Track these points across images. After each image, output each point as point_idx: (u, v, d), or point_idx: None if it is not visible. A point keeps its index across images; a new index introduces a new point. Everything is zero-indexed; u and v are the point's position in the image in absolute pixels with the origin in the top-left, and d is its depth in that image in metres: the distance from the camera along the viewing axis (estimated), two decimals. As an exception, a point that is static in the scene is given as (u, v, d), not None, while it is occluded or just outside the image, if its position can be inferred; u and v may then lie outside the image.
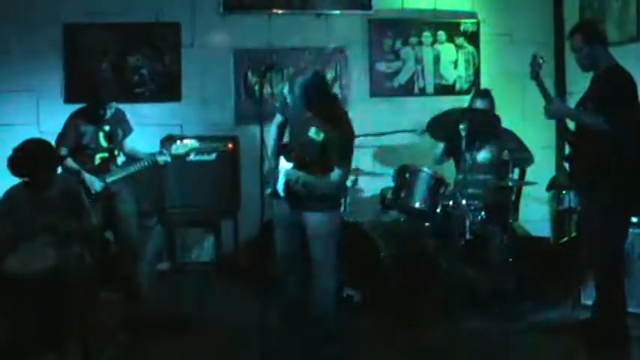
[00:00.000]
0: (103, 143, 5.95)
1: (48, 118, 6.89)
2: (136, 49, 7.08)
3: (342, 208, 5.22)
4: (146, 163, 6.00)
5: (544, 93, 4.92)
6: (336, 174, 4.56)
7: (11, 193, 4.98)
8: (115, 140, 5.99)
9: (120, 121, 6.06)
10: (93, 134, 5.90)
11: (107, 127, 5.95)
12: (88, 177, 5.76)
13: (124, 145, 6.10)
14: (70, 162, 5.82)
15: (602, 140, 4.59)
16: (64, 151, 5.82)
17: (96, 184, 5.77)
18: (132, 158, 6.11)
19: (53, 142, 5.48)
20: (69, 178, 5.57)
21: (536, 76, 4.95)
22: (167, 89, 7.14)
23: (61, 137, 5.88)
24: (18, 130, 6.61)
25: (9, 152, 4.91)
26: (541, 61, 4.96)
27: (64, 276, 4.63)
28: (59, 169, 5.50)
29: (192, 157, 6.48)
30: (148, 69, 7.06)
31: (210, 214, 7.06)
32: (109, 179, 5.87)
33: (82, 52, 7.01)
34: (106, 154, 5.96)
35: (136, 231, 6.08)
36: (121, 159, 6.06)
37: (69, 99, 6.98)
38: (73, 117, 5.93)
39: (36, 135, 6.34)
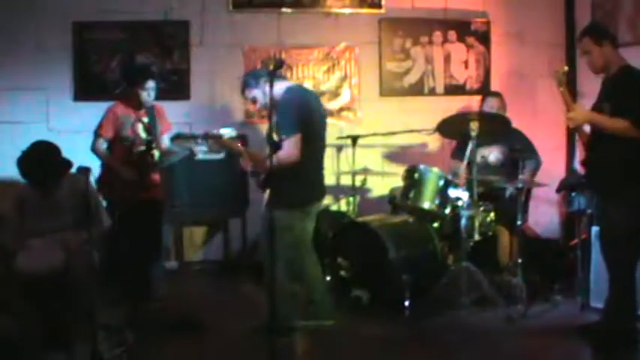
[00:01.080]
0: (142, 134, 5.86)
1: (57, 117, 6.92)
2: (145, 47, 7.08)
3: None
4: (182, 155, 5.94)
5: (567, 102, 4.88)
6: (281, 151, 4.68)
7: (20, 192, 4.98)
8: (153, 133, 5.89)
9: (158, 115, 5.97)
10: (132, 124, 5.82)
11: (146, 119, 5.87)
12: (124, 173, 5.73)
13: (163, 141, 6.02)
14: (106, 155, 5.78)
15: (621, 143, 4.56)
16: (103, 144, 5.78)
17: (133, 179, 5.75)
18: (168, 154, 6.03)
19: (61, 141, 5.40)
20: (79, 177, 5.54)
21: (561, 86, 4.93)
22: (176, 88, 7.13)
23: (100, 127, 5.78)
24: (27, 128, 6.66)
25: (18, 150, 4.89)
26: (566, 69, 4.97)
27: (73, 275, 4.63)
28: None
29: (200, 156, 6.43)
30: (157, 67, 7.04)
31: (218, 213, 7.07)
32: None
33: (92, 51, 7.02)
34: (143, 148, 5.86)
35: (161, 230, 6.05)
36: (158, 154, 5.96)
37: (78, 97, 6.99)
38: (112, 107, 5.81)
39: (45, 133, 6.37)
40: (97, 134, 5.75)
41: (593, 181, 5.01)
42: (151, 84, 5.79)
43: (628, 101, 4.57)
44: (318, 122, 5.09)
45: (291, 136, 4.74)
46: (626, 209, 4.62)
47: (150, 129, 5.83)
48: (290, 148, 4.74)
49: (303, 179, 4.89)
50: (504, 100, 6.40)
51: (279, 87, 4.87)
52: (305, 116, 4.88)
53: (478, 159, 5.80)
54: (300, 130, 4.79)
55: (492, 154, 6.25)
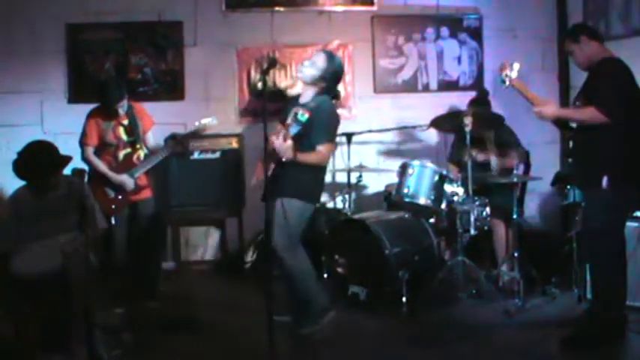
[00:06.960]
0: (124, 137, 5.87)
1: (52, 119, 6.93)
2: (139, 48, 7.10)
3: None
4: (167, 153, 5.92)
5: (528, 97, 4.92)
6: (315, 152, 4.86)
7: (17, 195, 4.97)
8: (135, 133, 5.91)
9: (138, 114, 5.98)
10: (113, 129, 5.84)
11: (126, 121, 5.88)
12: (119, 178, 5.76)
13: (147, 139, 6.04)
14: (98, 163, 5.80)
15: (599, 136, 4.57)
16: (90, 150, 5.80)
17: (128, 183, 5.77)
18: (154, 151, 6.04)
19: (57, 143, 5.42)
20: (74, 179, 5.54)
21: (510, 84, 4.97)
22: (170, 88, 7.15)
23: (85, 137, 5.81)
24: (22, 130, 6.65)
25: (13, 153, 4.88)
26: (512, 68, 4.99)
27: (70, 277, 4.63)
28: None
29: (196, 155, 6.44)
30: (151, 68, 7.08)
31: (215, 212, 7.07)
32: (136, 175, 5.85)
33: (86, 52, 7.03)
34: (129, 150, 5.87)
35: (154, 231, 6.06)
36: (144, 153, 5.97)
37: (73, 99, 7.00)
38: (91, 115, 5.84)
39: (40, 136, 6.36)
40: (83, 144, 5.80)
41: (574, 174, 5.04)
42: (124, 102, 5.82)
43: (596, 88, 4.59)
44: None
45: (327, 144, 4.93)
46: (604, 202, 4.63)
47: (131, 130, 5.86)
48: (325, 154, 4.94)
49: (320, 178, 5.09)
50: (490, 103, 6.43)
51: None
52: (336, 128, 5.12)
53: (466, 158, 5.80)
54: (333, 140, 5.08)
55: (479, 155, 6.24)
